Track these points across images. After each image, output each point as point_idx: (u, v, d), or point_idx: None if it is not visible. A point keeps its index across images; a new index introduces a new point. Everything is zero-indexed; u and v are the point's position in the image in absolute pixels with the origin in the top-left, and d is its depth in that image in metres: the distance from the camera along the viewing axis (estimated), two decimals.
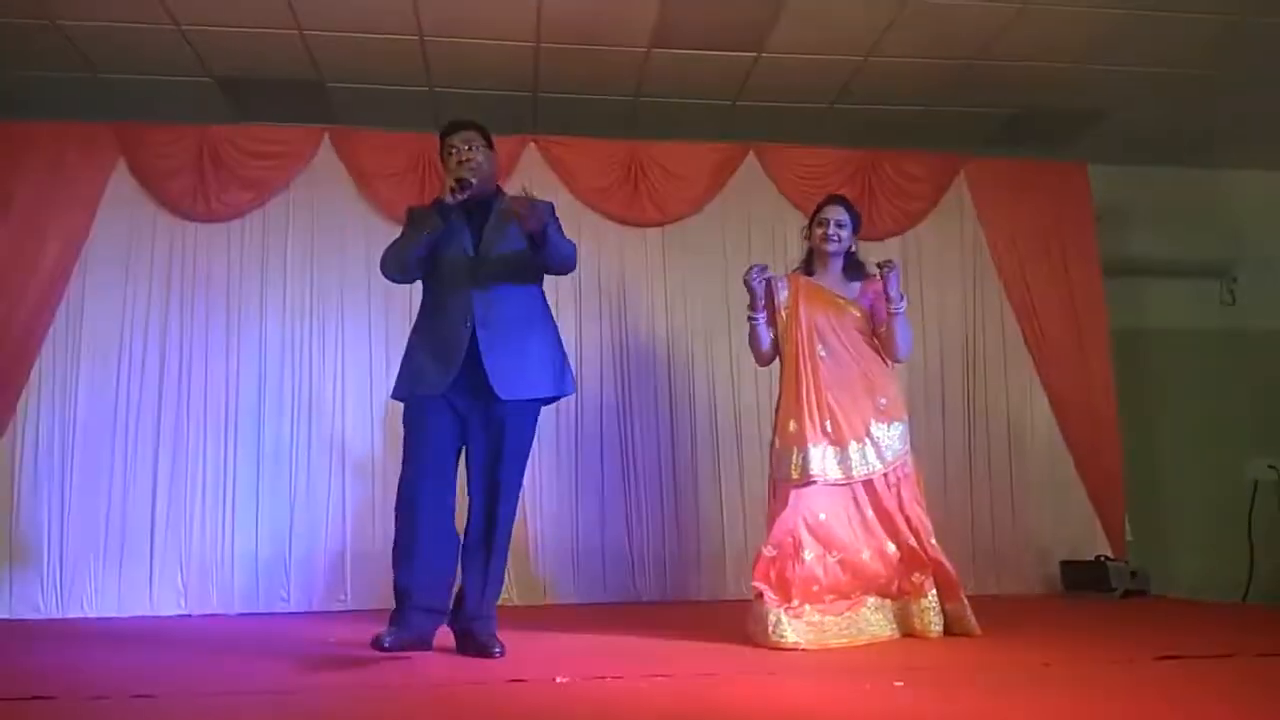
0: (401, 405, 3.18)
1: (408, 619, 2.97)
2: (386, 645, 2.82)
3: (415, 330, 3.23)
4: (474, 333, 3.05)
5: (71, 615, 4.37)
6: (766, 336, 3.58)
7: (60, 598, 4.41)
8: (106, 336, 4.65)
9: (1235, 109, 5.32)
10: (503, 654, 3.02)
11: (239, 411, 4.68)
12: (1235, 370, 5.87)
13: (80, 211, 4.66)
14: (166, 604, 4.46)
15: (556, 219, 3.23)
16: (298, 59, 4.71)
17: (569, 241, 3.23)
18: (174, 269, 4.75)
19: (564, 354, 3.27)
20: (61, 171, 4.66)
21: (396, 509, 3.06)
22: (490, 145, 3.26)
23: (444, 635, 3.15)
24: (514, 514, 3.18)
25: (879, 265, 3.45)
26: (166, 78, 4.85)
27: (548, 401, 3.28)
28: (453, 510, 3.12)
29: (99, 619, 4.33)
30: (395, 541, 3.05)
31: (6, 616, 4.33)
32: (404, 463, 3.09)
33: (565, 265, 3.23)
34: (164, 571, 4.49)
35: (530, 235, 3.07)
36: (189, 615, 4.43)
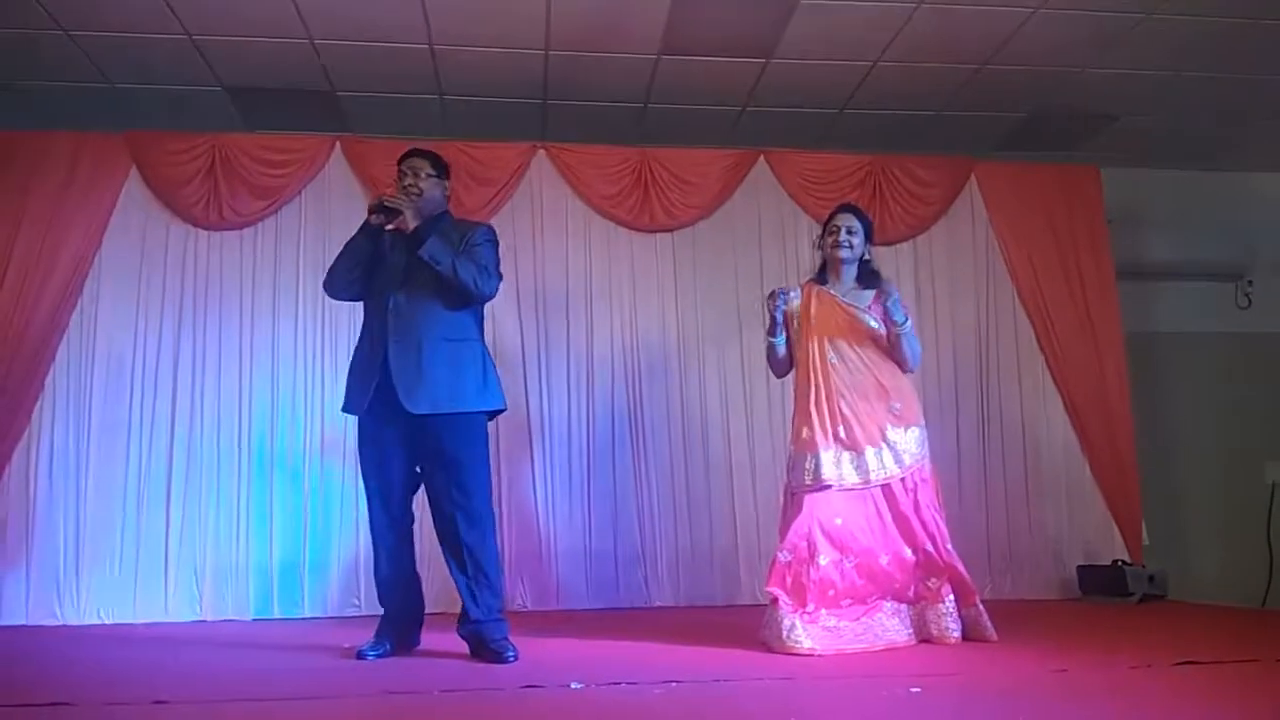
0: None
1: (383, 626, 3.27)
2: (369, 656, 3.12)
3: (355, 351, 3.37)
4: (386, 348, 3.15)
5: (89, 622, 4.38)
6: (782, 354, 3.59)
7: (77, 605, 4.42)
8: (120, 344, 4.67)
9: (1249, 111, 5.29)
10: (516, 659, 3.03)
11: (252, 418, 4.69)
12: (1252, 373, 5.83)
13: (94, 220, 4.69)
14: (182, 611, 4.47)
15: (487, 242, 3.30)
16: (309, 68, 4.73)
17: (475, 264, 3.21)
18: (187, 277, 4.77)
19: (487, 369, 3.28)
20: (75, 180, 4.68)
21: (375, 554, 3.31)
22: (441, 175, 3.37)
23: (459, 643, 3.16)
24: (485, 534, 3.19)
25: (877, 291, 3.47)
26: (178, 87, 4.89)
27: (477, 416, 3.25)
28: (402, 519, 3.30)
29: (116, 625, 4.35)
30: (376, 576, 3.32)
31: (24, 623, 4.35)
32: (367, 499, 3.31)
33: (460, 287, 3.18)
34: (179, 578, 4.50)
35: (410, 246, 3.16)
36: (204, 621, 4.44)
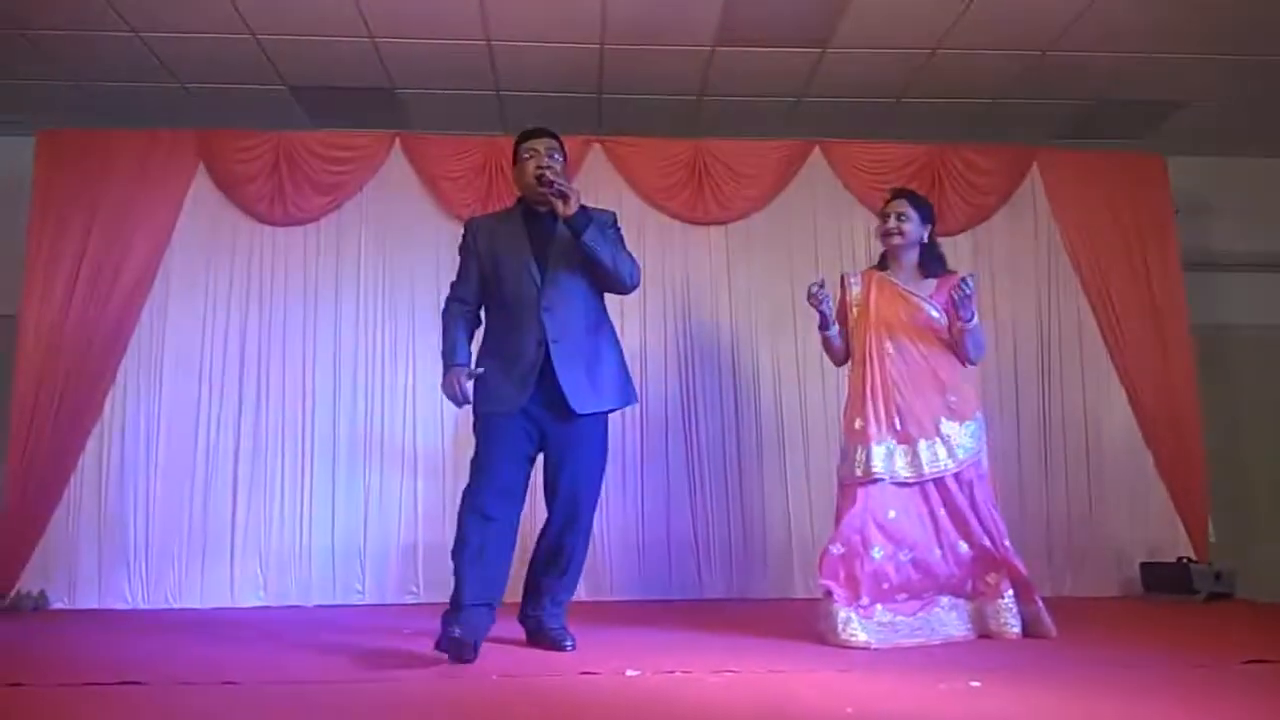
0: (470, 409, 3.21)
1: (464, 617, 2.93)
2: (445, 646, 2.82)
3: (485, 349, 3.21)
4: (547, 351, 3.06)
5: (157, 606, 4.53)
6: (838, 345, 3.57)
7: (146, 589, 4.57)
8: (189, 336, 4.80)
9: None
10: (574, 648, 3.06)
11: (315, 408, 4.79)
12: None
13: (164, 216, 4.83)
14: (247, 596, 4.60)
15: (617, 229, 3.25)
16: (370, 66, 4.82)
17: (628, 257, 3.20)
18: (252, 271, 4.89)
19: (626, 363, 3.30)
20: (147, 178, 4.82)
21: (461, 515, 3.04)
22: (564, 155, 3.27)
23: (515, 629, 3.20)
24: (592, 524, 3.23)
25: (957, 284, 3.29)
26: (245, 86, 5.01)
27: (607, 415, 3.26)
28: (518, 523, 3.13)
29: (183, 610, 4.49)
30: (459, 544, 3.02)
31: (97, 606, 4.51)
32: (474, 471, 3.09)
33: (617, 278, 3.15)
34: (244, 564, 4.63)
35: (571, 230, 3.05)
36: (268, 607, 4.55)
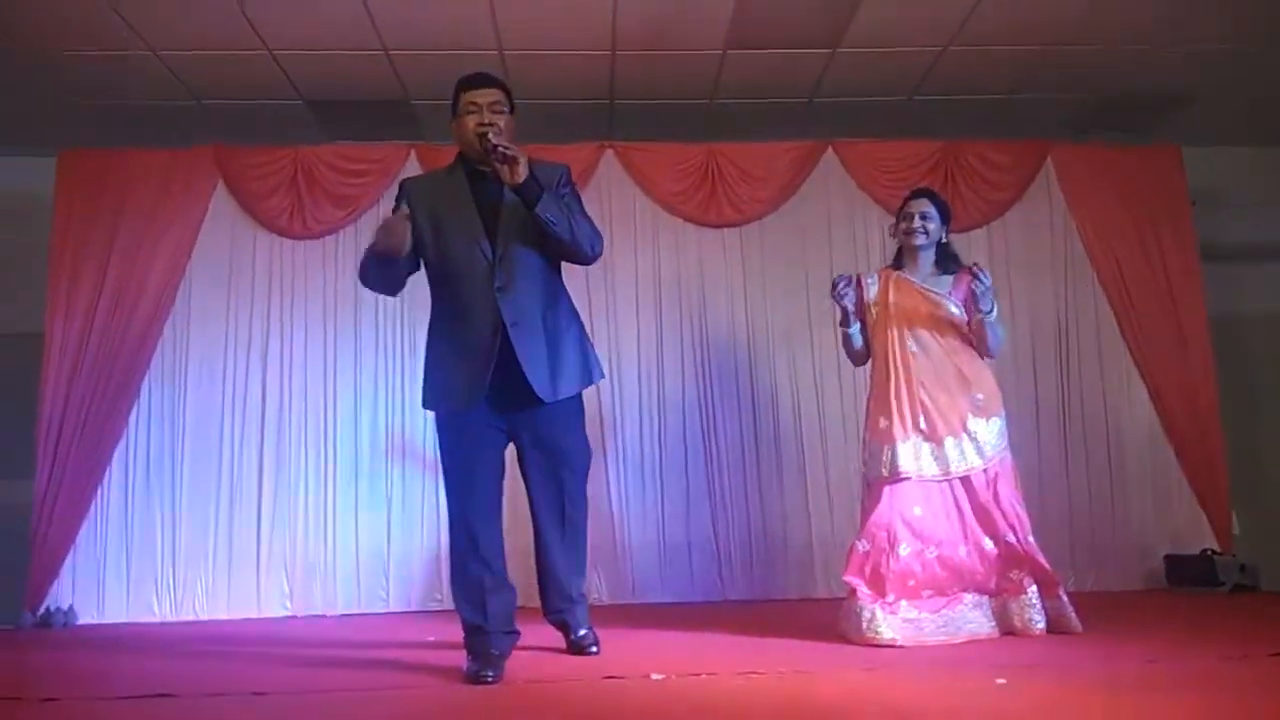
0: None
1: (488, 646, 2.78)
2: (489, 678, 2.65)
3: (435, 337, 2.94)
4: (504, 336, 2.79)
5: (185, 618, 4.57)
6: (860, 343, 3.55)
7: (174, 602, 4.62)
8: (211, 349, 4.85)
9: None
10: (598, 652, 3.06)
11: (337, 419, 4.84)
12: None
13: (185, 232, 4.88)
14: (273, 606, 4.64)
15: (573, 188, 2.94)
16: (383, 78, 4.86)
17: (587, 223, 2.88)
18: (273, 284, 4.94)
19: (584, 339, 3.03)
20: (166, 197, 4.88)
21: (454, 548, 2.89)
22: (512, 109, 2.90)
23: (531, 635, 3.21)
24: (585, 513, 3.07)
25: (975, 276, 3.29)
26: (261, 101, 5.06)
27: (579, 397, 3.03)
28: (502, 526, 2.96)
29: (211, 621, 4.53)
30: (456, 580, 2.88)
31: (125, 620, 4.56)
32: (450, 493, 2.89)
33: (577, 250, 2.84)
34: (270, 575, 4.68)
35: (524, 201, 2.74)
36: (294, 617, 4.59)
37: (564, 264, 3.02)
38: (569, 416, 2.98)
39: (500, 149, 2.68)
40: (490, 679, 2.65)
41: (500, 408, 2.85)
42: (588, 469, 3.07)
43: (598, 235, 2.94)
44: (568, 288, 3.08)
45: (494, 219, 2.84)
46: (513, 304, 2.81)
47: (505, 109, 2.86)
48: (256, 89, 4.93)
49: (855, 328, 3.53)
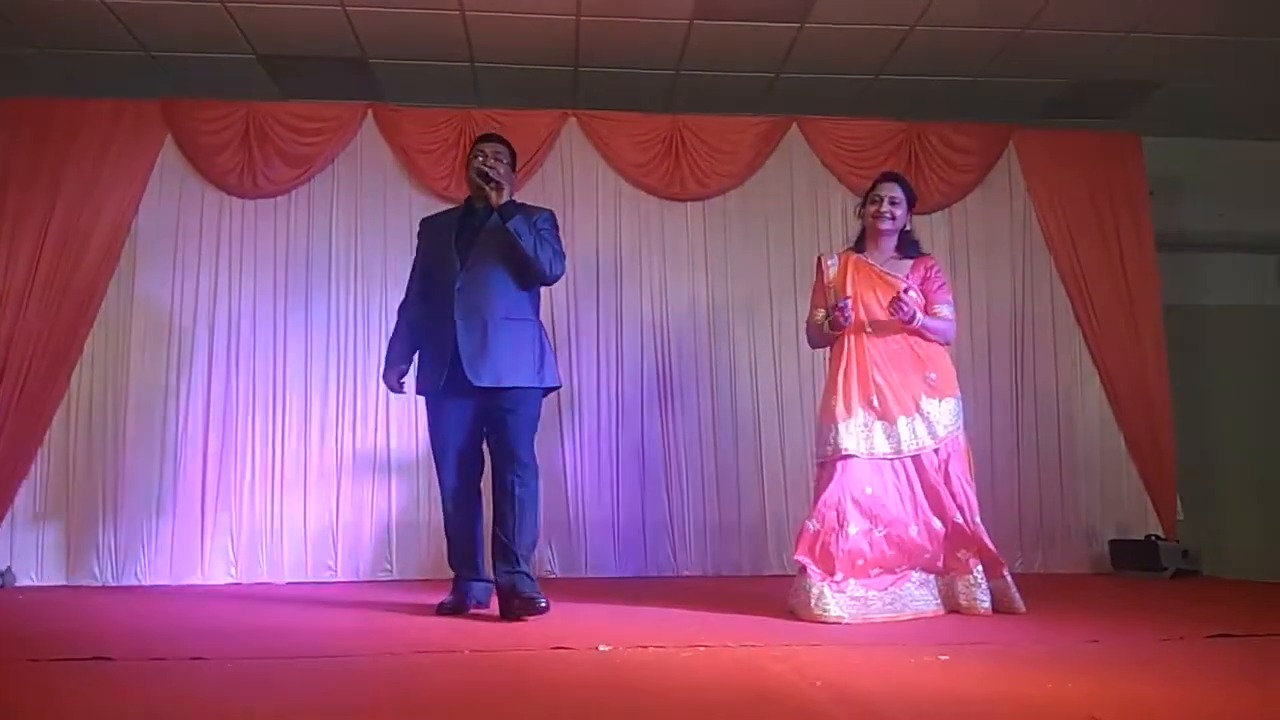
0: None
1: (459, 586, 3.41)
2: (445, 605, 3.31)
3: (420, 334, 3.50)
4: (454, 327, 3.27)
5: (126, 583, 4.48)
6: (834, 338, 3.52)
7: (115, 566, 4.52)
8: (157, 310, 4.73)
9: None
10: (547, 608, 3.13)
11: (286, 384, 4.75)
12: None
13: (130, 187, 4.74)
14: (217, 573, 4.55)
15: (554, 228, 3.45)
16: (341, 36, 4.73)
17: (554, 251, 3.38)
18: (222, 244, 4.82)
19: (544, 349, 3.41)
20: (112, 148, 4.73)
21: (444, 509, 3.46)
22: (513, 165, 3.54)
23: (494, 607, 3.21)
24: (533, 486, 3.33)
25: (915, 261, 3.48)
26: (213, 55, 4.91)
27: (533, 391, 3.37)
28: (480, 493, 3.46)
29: (153, 586, 4.44)
30: (445, 530, 3.46)
31: (64, 583, 4.46)
32: (436, 466, 3.45)
33: (535, 264, 3.31)
34: (215, 542, 4.59)
35: (500, 216, 3.28)
36: (238, 584, 4.51)
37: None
38: (519, 406, 3.31)
39: (487, 172, 3.32)
40: (447, 606, 3.33)
41: (468, 393, 3.28)
42: (532, 447, 3.36)
43: (559, 260, 3.40)
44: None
45: (473, 236, 3.39)
46: (465, 302, 3.30)
47: (505, 158, 3.47)
48: (209, 42, 4.78)
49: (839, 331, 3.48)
